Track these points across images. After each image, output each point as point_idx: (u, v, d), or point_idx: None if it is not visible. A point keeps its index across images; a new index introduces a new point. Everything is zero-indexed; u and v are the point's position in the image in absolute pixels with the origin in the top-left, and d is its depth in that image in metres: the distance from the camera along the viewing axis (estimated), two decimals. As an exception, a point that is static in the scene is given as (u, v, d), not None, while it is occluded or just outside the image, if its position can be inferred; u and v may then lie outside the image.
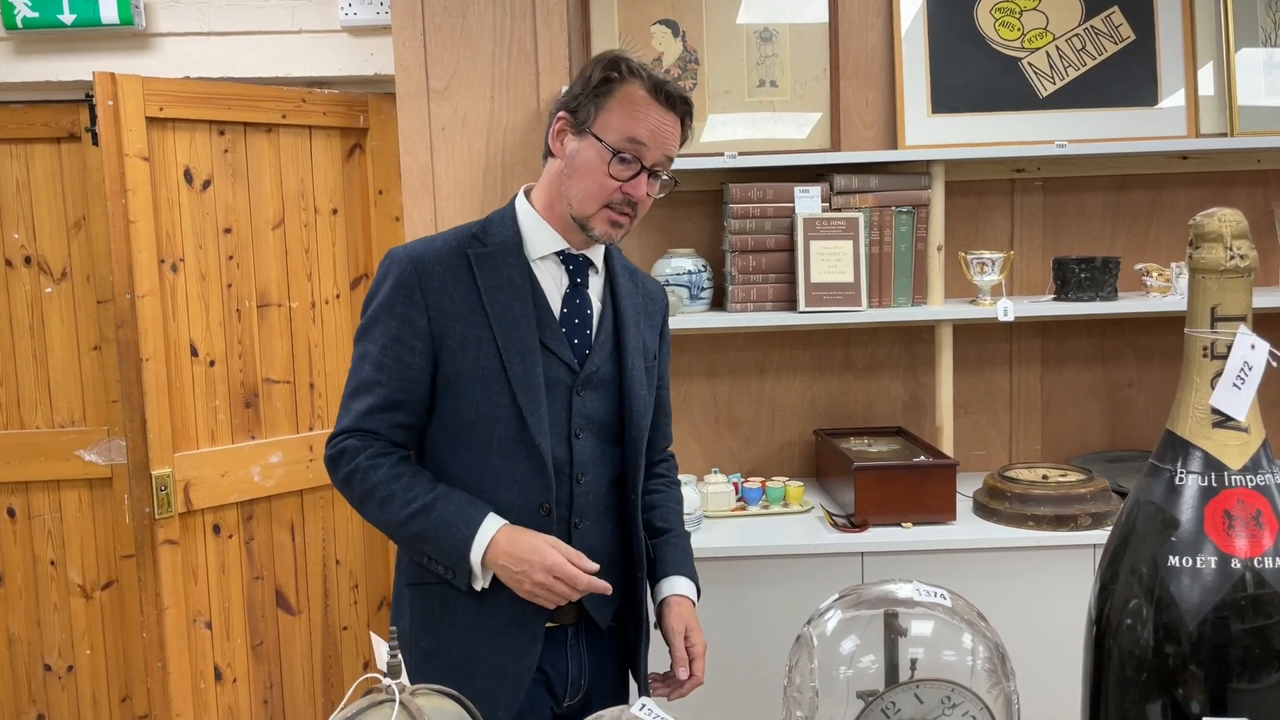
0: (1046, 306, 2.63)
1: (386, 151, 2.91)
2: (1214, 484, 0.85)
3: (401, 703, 0.85)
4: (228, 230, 2.71)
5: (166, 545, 2.62)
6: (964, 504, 2.54)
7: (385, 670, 0.86)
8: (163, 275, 2.59)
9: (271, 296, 2.79)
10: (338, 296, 2.90)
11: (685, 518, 1.91)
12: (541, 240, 1.65)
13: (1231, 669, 0.83)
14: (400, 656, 0.87)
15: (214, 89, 2.66)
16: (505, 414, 1.58)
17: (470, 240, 1.65)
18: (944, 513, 2.44)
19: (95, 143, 2.81)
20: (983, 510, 2.48)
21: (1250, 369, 0.85)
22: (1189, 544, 0.85)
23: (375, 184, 2.90)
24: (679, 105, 1.61)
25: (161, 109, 2.56)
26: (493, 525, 1.54)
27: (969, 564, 2.34)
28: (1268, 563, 0.83)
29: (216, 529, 2.73)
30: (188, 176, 2.63)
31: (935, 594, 0.88)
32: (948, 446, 2.70)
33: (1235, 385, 0.85)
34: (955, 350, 2.75)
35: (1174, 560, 0.85)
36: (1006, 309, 2.57)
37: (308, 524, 2.91)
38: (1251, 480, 0.85)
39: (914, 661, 0.86)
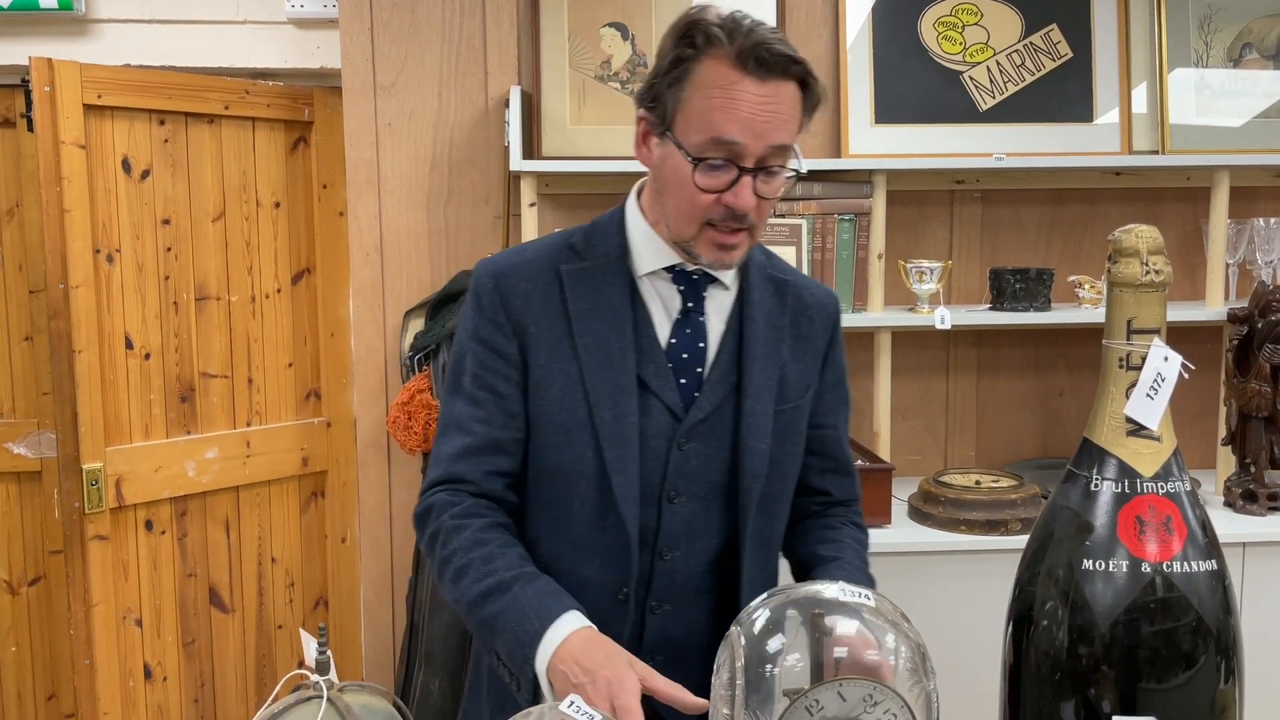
0: (982, 315, 2.68)
1: (331, 146, 2.88)
2: (1127, 490, 0.88)
3: (329, 699, 0.85)
4: (166, 221, 2.67)
5: (96, 541, 2.57)
6: (899, 508, 2.58)
7: (314, 667, 0.86)
8: (98, 266, 2.55)
9: (210, 289, 2.75)
10: (279, 291, 2.87)
11: None
12: (651, 254, 1.33)
13: (1141, 669, 0.86)
14: (329, 654, 0.87)
15: (155, 78, 2.62)
16: (590, 469, 1.30)
17: (566, 252, 1.35)
18: (880, 516, 2.48)
19: (30, 129, 2.75)
20: (917, 514, 2.52)
21: (1163, 380, 0.89)
22: (1102, 548, 0.88)
23: (319, 178, 2.88)
24: (786, 68, 1.20)
25: (100, 96, 2.51)
26: (570, 624, 1.17)
27: (903, 566, 2.38)
28: (1176, 567, 0.86)
29: (149, 525, 2.69)
30: (126, 166, 2.59)
31: (860, 595, 0.90)
32: (885, 451, 2.75)
33: (1149, 395, 0.89)
34: (894, 356, 2.80)
35: (1088, 563, 0.88)
36: (944, 317, 2.62)
37: (243, 521, 2.87)
38: (1162, 488, 0.88)
39: (838, 661, 0.88)
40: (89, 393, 2.52)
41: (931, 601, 2.37)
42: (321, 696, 0.84)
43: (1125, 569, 0.87)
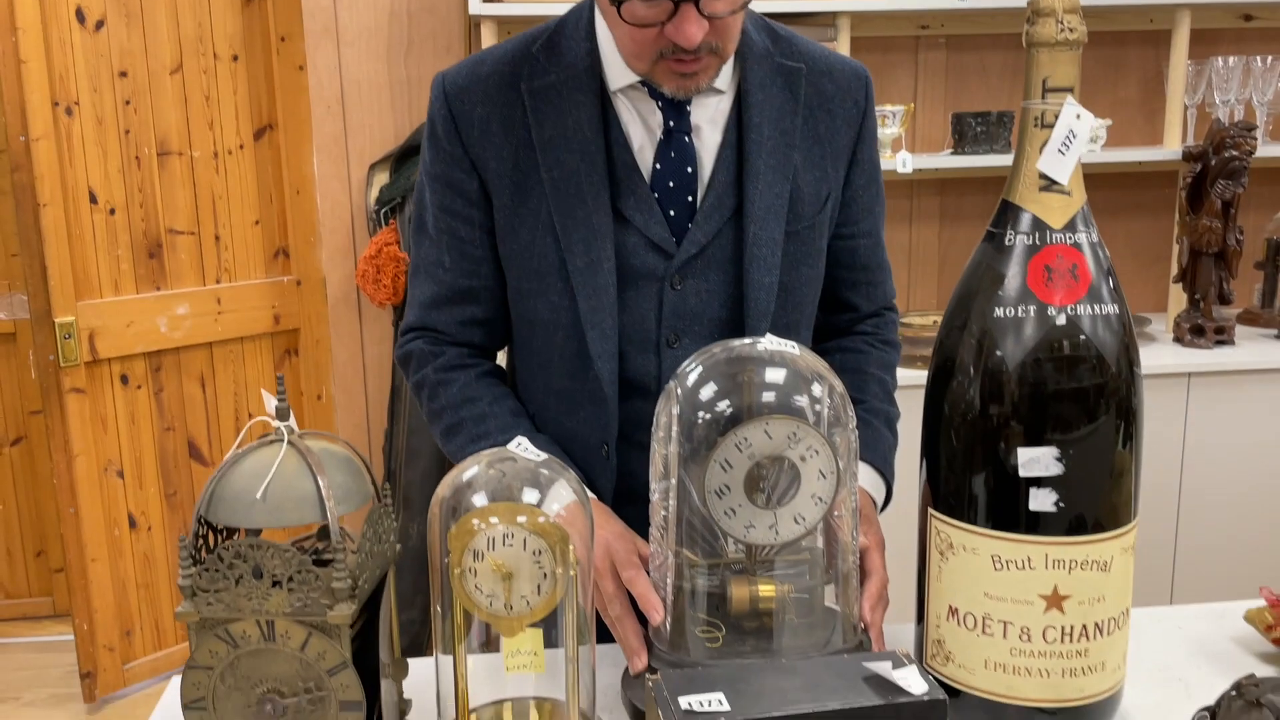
0: (944, 159, 2.71)
1: (288, -4, 2.84)
2: (1037, 242, 0.93)
3: (290, 442, 0.90)
4: (123, 74, 2.64)
5: (73, 394, 2.62)
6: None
7: (275, 414, 0.92)
8: (57, 118, 2.53)
9: (172, 145, 2.74)
10: (241, 147, 2.86)
11: None
12: (625, 65, 1.14)
13: (1047, 406, 0.92)
14: (288, 403, 0.92)
15: (103, -77, 2.56)
16: (566, 320, 1.18)
17: (528, 64, 1.17)
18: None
19: (-22, -20, 2.70)
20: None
21: (1074, 136, 0.93)
22: (1013, 297, 0.93)
23: (277, 30, 2.84)
24: None
25: (47, -59, 2.46)
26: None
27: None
28: (1080, 309, 0.92)
29: (124, 379, 2.73)
30: (79, 16, 2.55)
31: (787, 345, 0.96)
32: (846, 296, 2.81)
33: (1060, 151, 0.93)
34: (856, 204, 2.83)
35: (999, 312, 0.94)
36: (905, 160, 2.65)
37: (218, 377, 2.92)
38: (1070, 238, 0.93)
39: (767, 405, 0.94)
40: (57, 247, 2.53)
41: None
42: (283, 440, 0.90)
43: (1033, 314, 0.92)
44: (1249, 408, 2.54)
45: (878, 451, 1.25)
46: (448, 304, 1.24)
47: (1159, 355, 2.58)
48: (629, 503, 1.20)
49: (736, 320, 1.20)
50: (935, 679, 1.02)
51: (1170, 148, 2.72)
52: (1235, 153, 2.47)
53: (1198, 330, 2.62)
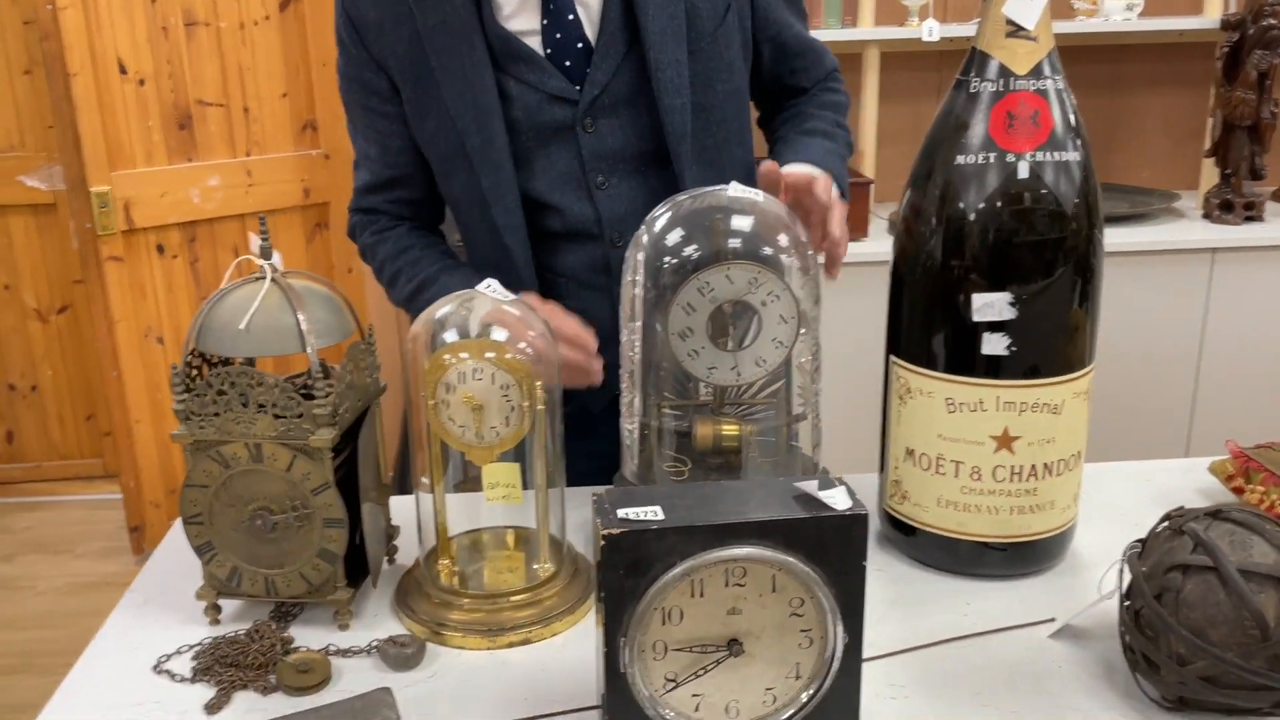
0: (973, 29, 2.65)
1: None
2: (1002, 88, 0.94)
3: (273, 279, 0.96)
4: (147, -58, 2.64)
5: (112, 262, 2.71)
6: (878, 225, 2.65)
7: (259, 253, 0.97)
8: (82, -13, 2.55)
9: (198, 15, 2.76)
10: (267, 18, 2.87)
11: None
12: None
13: (1006, 251, 0.94)
14: (270, 241, 0.97)
15: None
16: (476, 198, 1.25)
17: None
18: (857, 231, 2.55)
19: None
20: (893, 227, 2.59)
21: (1043, -19, 0.93)
22: (975, 144, 0.94)
23: (299, -104, 2.81)
24: None
25: None
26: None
27: (877, 278, 2.47)
28: (1041, 156, 0.93)
29: (160, 249, 2.82)
30: (100, -118, 2.55)
31: (752, 193, 0.99)
32: (869, 172, 2.78)
33: (1028, -4, 0.93)
34: (884, 79, 2.78)
35: (961, 159, 0.95)
36: (932, 29, 2.59)
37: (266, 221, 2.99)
38: (1034, 84, 0.94)
39: (732, 251, 0.97)
40: (88, 116, 2.59)
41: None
42: (266, 278, 0.95)
43: (993, 160, 0.94)
44: (1275, 285, 2.51)
45: (810, 154, 1.23)
46: (379, 190, 1.33)
47: (1186, 231, 2.55)
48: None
49: (659, 150, 1.23)
50: (893, 518, 1.08)
51: (1209, 15, 2.63)
52: (1274, 21, 2.39)
53: (1227, 206, 2.58)
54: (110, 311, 2.72)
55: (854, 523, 0.76)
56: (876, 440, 1.10)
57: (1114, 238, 2.17)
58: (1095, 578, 1.04)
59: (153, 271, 2.81)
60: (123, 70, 2.66)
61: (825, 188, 1.09)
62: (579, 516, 1.15)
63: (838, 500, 0.77)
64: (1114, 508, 1.18)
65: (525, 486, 0.98)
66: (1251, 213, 2.57)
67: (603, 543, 0.74)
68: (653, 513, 0.76)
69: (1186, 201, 2.75)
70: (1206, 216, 2.63)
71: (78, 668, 0.94)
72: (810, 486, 0.78)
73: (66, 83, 2.54)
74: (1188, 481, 1.24)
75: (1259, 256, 2.50)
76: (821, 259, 1.07)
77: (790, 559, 0.75)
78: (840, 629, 0.78)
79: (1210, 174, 2.68)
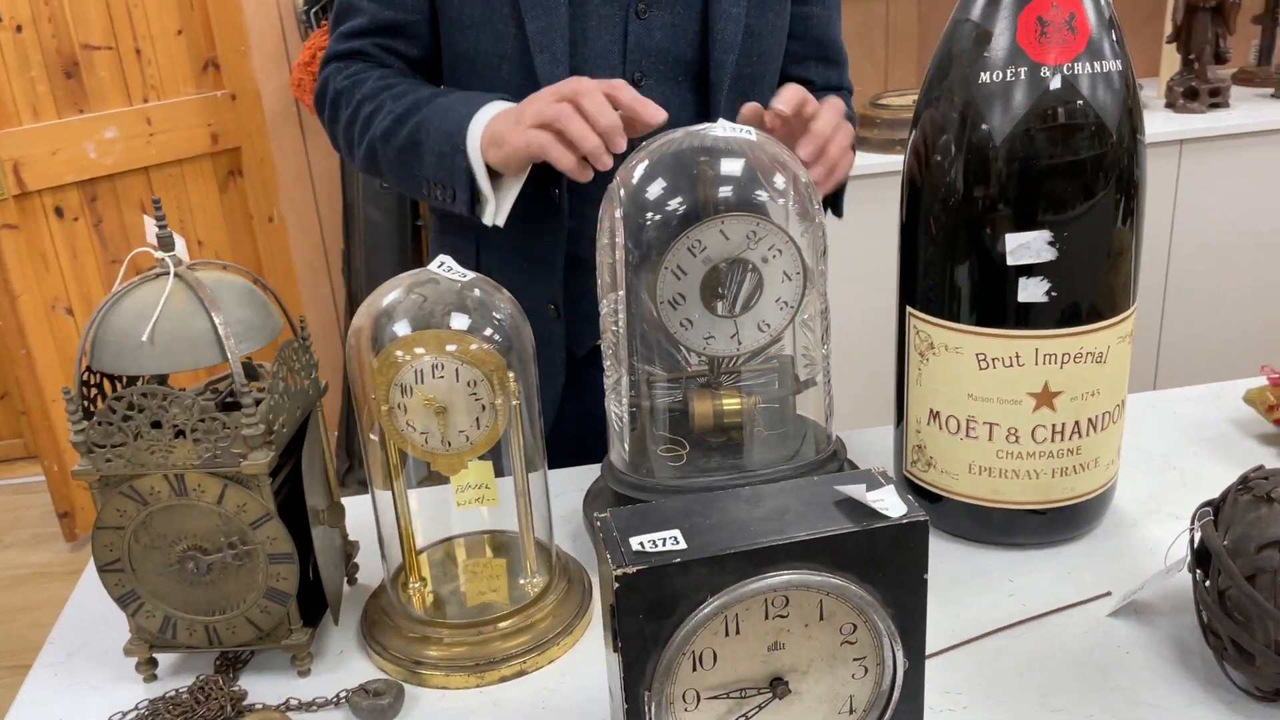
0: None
1: None
2: (1030, -11, 0.80)
3: (177, 274, 0.79)
4: None
5: (6, 230, 2.47)
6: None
7: (156, 244, 0.80)
8: (-65, -77, 2.27)
9: (72, -53, 2.48)
10: (151, -53, 2.59)
11: None
12: None
13: (1039, 183, 0.81)
14: (170, 229, 0.80)
15: None
16: (513, 50, 1.09)
17: None
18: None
19: None
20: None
21: None
22: (1001, 58, 0.81)
23: None
24: None
25: None
26: (501, 104, 1.04)
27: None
28: (1078, 69, 0.80)
29: (59, 211, 2.58)
30: None
31: (743, 131, 0.84)
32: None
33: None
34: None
35: (985, 77, 0.81)
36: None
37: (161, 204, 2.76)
38: (1068, -19, 0.80)
39: (724, 201, 0.83)
40: (-41, 70, 2.32)
41: (868, 222, 2.34)
42: (169, 273, 0.79)
43: (1024, 77, 0.80)
44: (1243, 173, 2.43)
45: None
46: (371, 34, 1.15)
47: (1149, 123, 2.43)
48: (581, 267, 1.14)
49: (703, 62, 1.13)
50: (915, 486, 0.96)
51: (1168, -109, 2.49)
52: (1239, -108, 2.26)
53: (1191, 94, 2.47)
54: (10, 285, 2.49)
55: (912, 531, 0.64)
56: (881, 388, 0.97)
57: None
58: (1142, 538, 0.94)
59: (53, 237, 2.57)
60: (-6, 16, 2.39)
61: (818, 107, 0.99)
62: (564, 505, 1.02)
63: (890, 505, 0.64)
64: (1144, 450, 1.08)
65: (500, 474, 0.84)
66: (1216, 99, 2.47)
67: (616, 585, 0.61)
68: (672, 539, 0.63)
69: (1148, 91, 2.64)
70: (1170, 106, 2.52)
71: (-11, 753, 0.80)
72: (856, 490, 0.65)
73: (-71, 34, 2.27)
74: (1219, 411, 1.14)
75: (1227, 145, 2.40)
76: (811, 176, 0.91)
77: (841, 581, 0.63)
78: (899, 653, 0.66)
79: (1172, 60, 2.57)
